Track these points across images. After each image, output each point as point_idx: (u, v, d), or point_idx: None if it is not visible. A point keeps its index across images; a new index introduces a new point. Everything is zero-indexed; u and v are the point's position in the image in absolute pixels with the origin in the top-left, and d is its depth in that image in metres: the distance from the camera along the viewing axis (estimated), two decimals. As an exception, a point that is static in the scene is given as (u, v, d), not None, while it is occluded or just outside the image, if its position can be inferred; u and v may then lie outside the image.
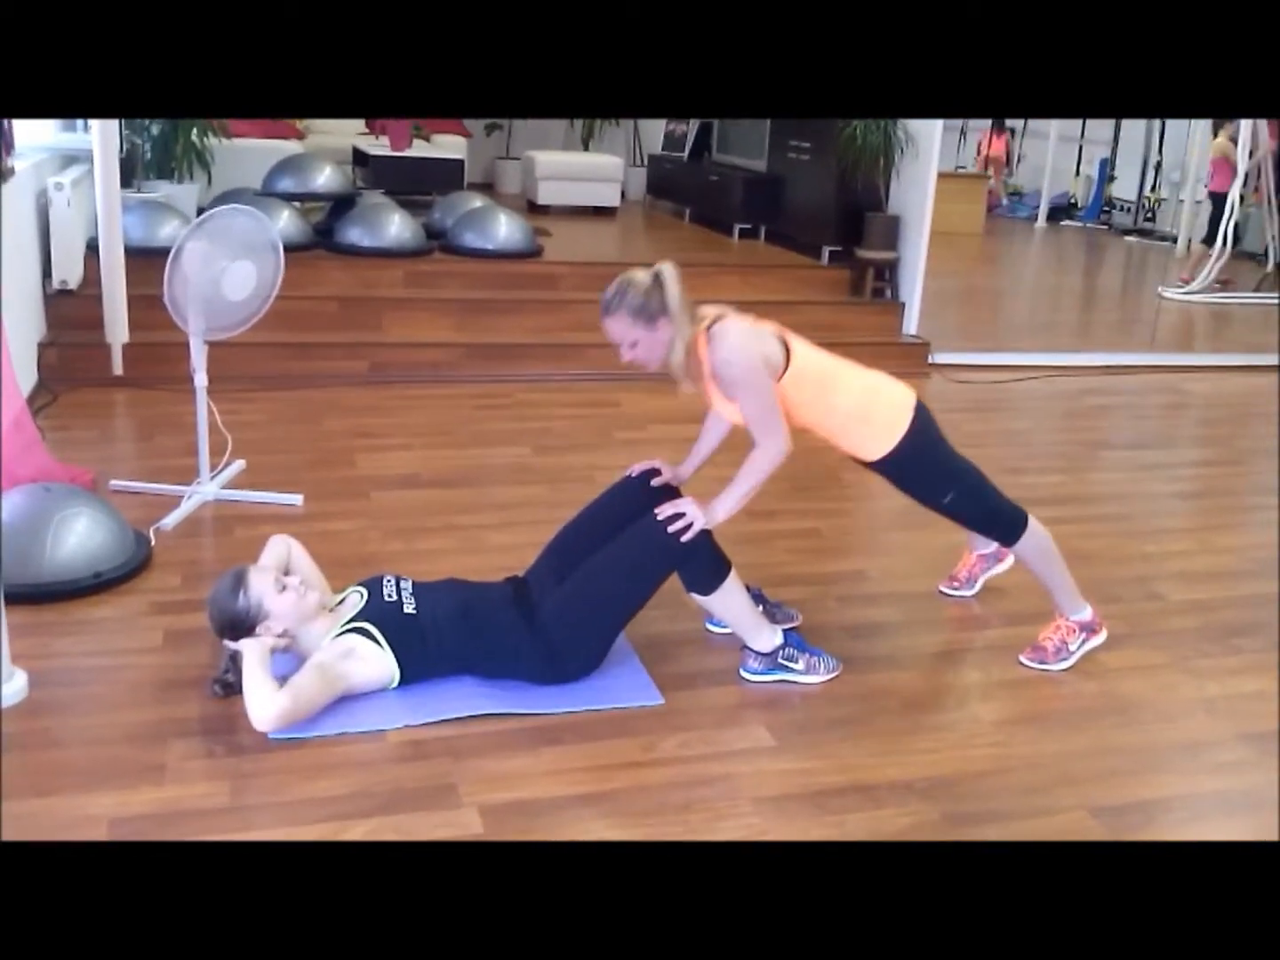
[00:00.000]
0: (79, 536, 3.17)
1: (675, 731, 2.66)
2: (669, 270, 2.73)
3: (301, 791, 2.36)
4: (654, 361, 2.78)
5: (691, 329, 2.74)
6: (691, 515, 2.72)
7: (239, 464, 4.12)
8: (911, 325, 6.49)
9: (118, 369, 5.15)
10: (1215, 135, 9.49)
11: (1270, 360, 6.88)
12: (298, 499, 3.87)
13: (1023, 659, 3.08)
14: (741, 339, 2.73)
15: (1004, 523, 3.01)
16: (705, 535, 2.75)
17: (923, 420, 2.90)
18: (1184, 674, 3.09)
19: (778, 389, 2.77)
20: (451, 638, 2.73)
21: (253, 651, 2.60)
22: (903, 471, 2.94)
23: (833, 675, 2.92)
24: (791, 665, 2.88)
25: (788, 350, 2.79)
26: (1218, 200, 9.09)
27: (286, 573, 2.88)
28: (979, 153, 13.09)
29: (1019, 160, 13.46)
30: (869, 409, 2.88)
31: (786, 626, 3.00)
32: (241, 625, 2.66)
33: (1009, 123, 13.37)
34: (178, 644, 2.92)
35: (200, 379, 3.80)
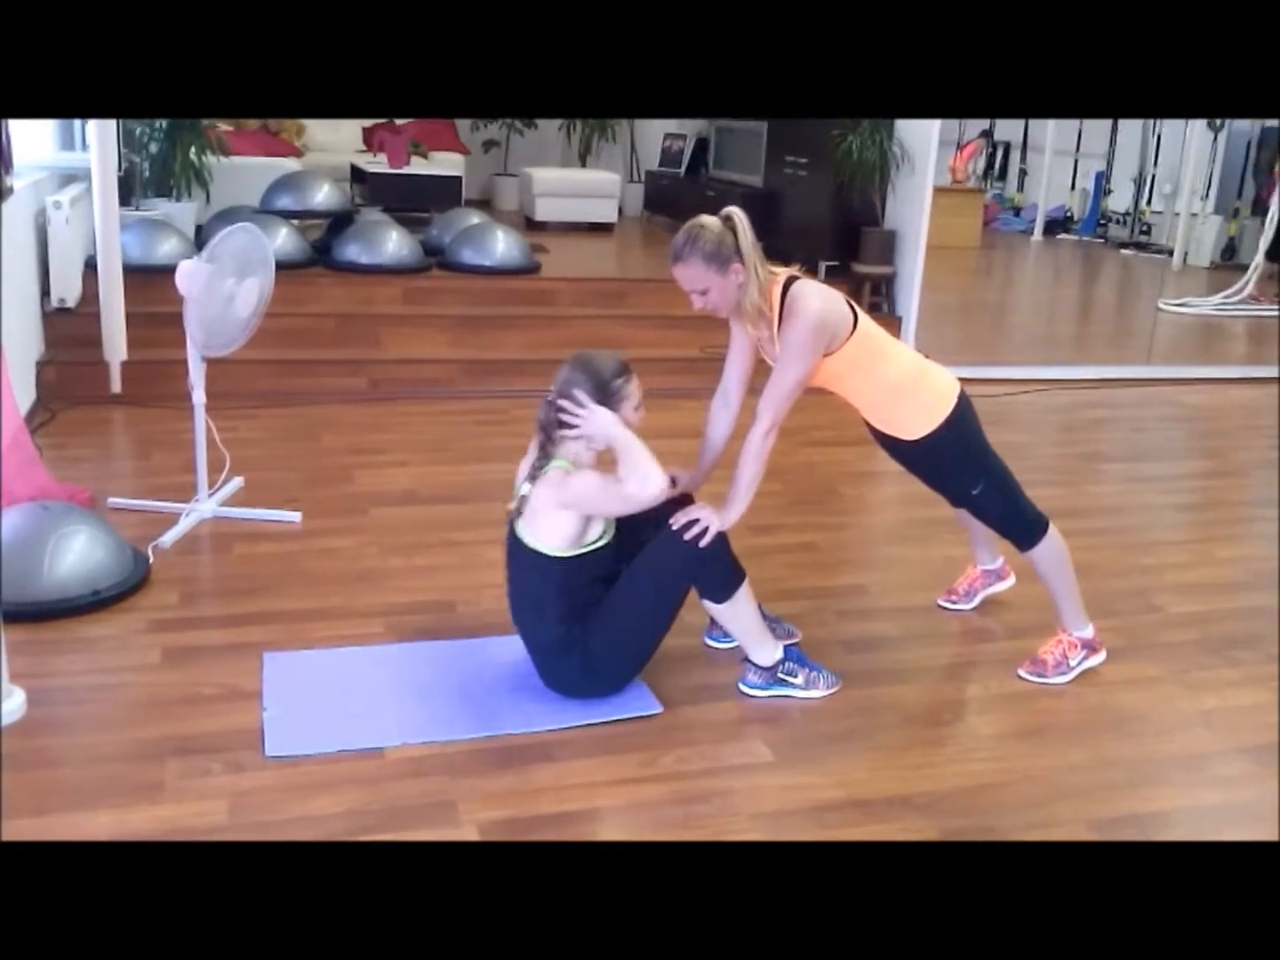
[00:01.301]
0: (77, 554, 3.17)
1: (674, 747, 2.66)
2: (739, 213, 2.73)
3: (299, 809, 2.35)
4: (726, 307, 2.78)
5: (764, 272, 2.75)
6: (706, 519, 2.72)
7: (237, 481, 4.13)
8: (909, 339, 6.50)
9: (116, 387, 5.16)
10: None
11: (1266, 372, 6.89)
12: (296, 516, 3.87)
13: (1021, 672, 3.07)
14: (822, 304, 2.74)
15: (1026, 524, 3.01)
16: (722, 541, 2.75)
17: (964, 408, 2.91)
18: (1182, 686, 3.09)
19: (840, 350, 2.78)
20: (559, 600, 2.74)
21: (621, 426, 2.66)
22: (936, 456, 2.95)
23: (832, 690, 2.92)
24: (791, 680, 2.88)
25: (855, 313, 2.82)
26: None
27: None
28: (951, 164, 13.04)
29: (1022, 174, 13.46)
30: (916, 386, 2.90)
31: (786, 642, 3.00)
32: (603, 388, 2.69)
33: (997, 136, 13.37)
34: (176, 662, 2.92)
35: (198, 396, 3.81)
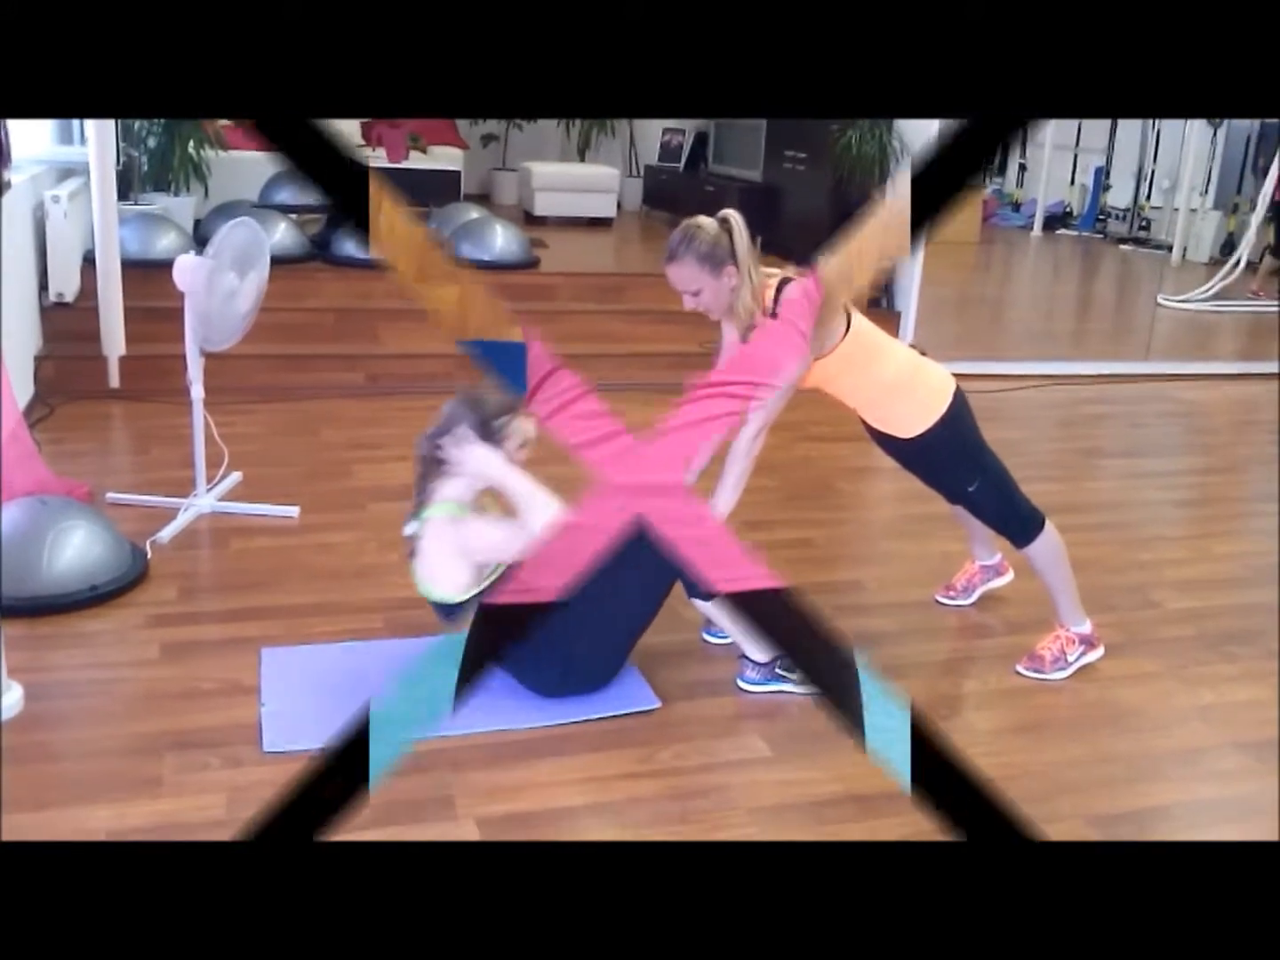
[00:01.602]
0: (75, 549, 3.17)
1: (672, 742, 2.66)
2: (736, 216, 2.73)
3: (298, 804, 2.36)
4: (717, 309, 2.79)
5: (758, 276, 2.75)
6: None
7: (235, 476, 4.13)
8: (908, 334, 6.50)
9: (114, 381, 5.16)
10: None
11: (1264, 368, 6.89)
12: (294, 511, 3.87)
13: (1019, 668, 3.08)
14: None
15: (1021, 521, 3.01)
16: None
17: (960, 405, 2.92)
18: (1180, 682, 3.09)
19: (835, 351, 2.78)
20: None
21: (502, 465, 2.63)
22: (932, 454, 2.95)
23: (829, 685, 2.92)
24: (789, 675, 2.89)
25: (848, 313, 2.82)
26: None
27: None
28: None
29: (1021, 169, 13.47)
30: (911, 384, 2.91)
31: (783, 637, 3.00)
32: (485, 425, 2.65)
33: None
34: (174, 657, 2.92)
35: (197, 391, 3.81)
